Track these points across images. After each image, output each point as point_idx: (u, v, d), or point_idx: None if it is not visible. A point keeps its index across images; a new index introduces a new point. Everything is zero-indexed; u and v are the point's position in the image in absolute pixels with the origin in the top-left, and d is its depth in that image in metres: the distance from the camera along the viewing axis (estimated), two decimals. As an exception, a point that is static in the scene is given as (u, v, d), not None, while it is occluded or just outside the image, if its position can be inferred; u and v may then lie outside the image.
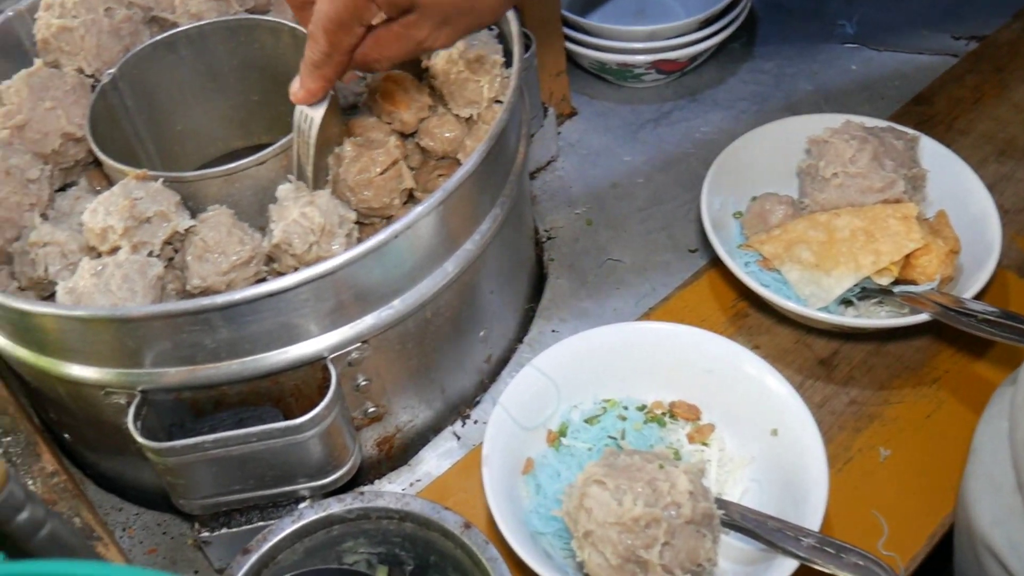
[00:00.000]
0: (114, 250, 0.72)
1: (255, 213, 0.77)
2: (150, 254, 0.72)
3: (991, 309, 0.74)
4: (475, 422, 0.82)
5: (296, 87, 0.73)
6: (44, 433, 0.81)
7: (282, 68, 0.88)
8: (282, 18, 0.89)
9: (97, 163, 0.82)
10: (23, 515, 0.54)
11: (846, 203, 0.82)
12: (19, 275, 0.76)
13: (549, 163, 1.04)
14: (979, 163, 0.95)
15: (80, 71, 0.86)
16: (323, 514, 0.70)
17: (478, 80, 0.83)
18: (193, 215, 0.75)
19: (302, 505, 0.71)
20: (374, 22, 0.68)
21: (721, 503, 0.68)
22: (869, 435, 0.78)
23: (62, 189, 0.84)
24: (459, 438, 0.81)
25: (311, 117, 0.75)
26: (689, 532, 0.64)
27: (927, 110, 1.03)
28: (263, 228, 0.77)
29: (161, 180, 0.74)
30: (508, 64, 0.83)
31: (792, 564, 0.63)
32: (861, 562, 0.62)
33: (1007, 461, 0.62)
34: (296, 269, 0.70)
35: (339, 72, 0.72)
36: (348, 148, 0.78)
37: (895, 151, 0.83)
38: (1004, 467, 0.62)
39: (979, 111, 1.02)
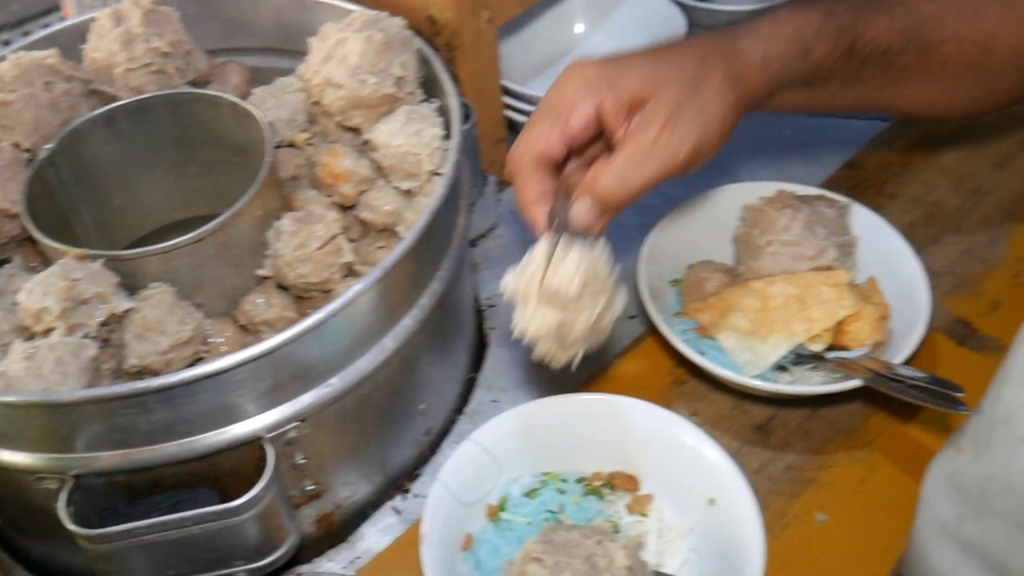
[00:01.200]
0: (48, 331, 0.71)
1: (193, 291, 0.77)
2: (85, 335, 0.71)
3: (920, 375, 0.75)
4: (415, 496, 0.81)
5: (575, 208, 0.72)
6: (-28, 516, 0.80)
7: (223, 140, 0.88)
8: (222, 91, 0.89)
9: (32, 240, 0.81)
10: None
11: (780, 271, 0.83)
12: (-52, 356, 0.75)
13: (490, 230, 1.05)
14: (908, 226, 0.98)
15: (16, 146, 0.85)
16: (261, 597, 0.69)
17: (418, 153, 0.83)
18: (131, 292, 0.74)
19: (239, 588, 0.70)
20: None
21: (660, 576, 0.68)
22: (806, 500, 0.78)
23: (-5, 266, 0.83)
24: (399, 513, 0.81)
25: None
26: (628, 608, 0.64)
27: (858, 174, 1.06)
28: (201, 305, 0.76)
29: (101, 260, 0.74)
30: (447, 136, 0.84)
31: (731, 638, 0.64)
32: (797, 635, 0.62)
33: (951, 501, 0.62)
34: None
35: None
36: (287, 222, 0.78)
37: (826, 219, 0.85)
38: (953, 506, 0.62)
39: (908, 175, 1.05)
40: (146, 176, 0.93)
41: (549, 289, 0.67)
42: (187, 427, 0.67)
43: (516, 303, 0.70)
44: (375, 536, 0.80)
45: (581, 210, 0.71)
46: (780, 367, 0.83)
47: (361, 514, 0.81)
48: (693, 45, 0.76)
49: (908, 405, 0.82)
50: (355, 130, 0.88)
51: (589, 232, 0.71)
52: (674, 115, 0.70)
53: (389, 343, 0.73)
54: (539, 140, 0.71)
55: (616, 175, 0.70)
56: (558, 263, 0.67)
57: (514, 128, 1.12)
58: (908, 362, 0.80)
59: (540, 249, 0.69)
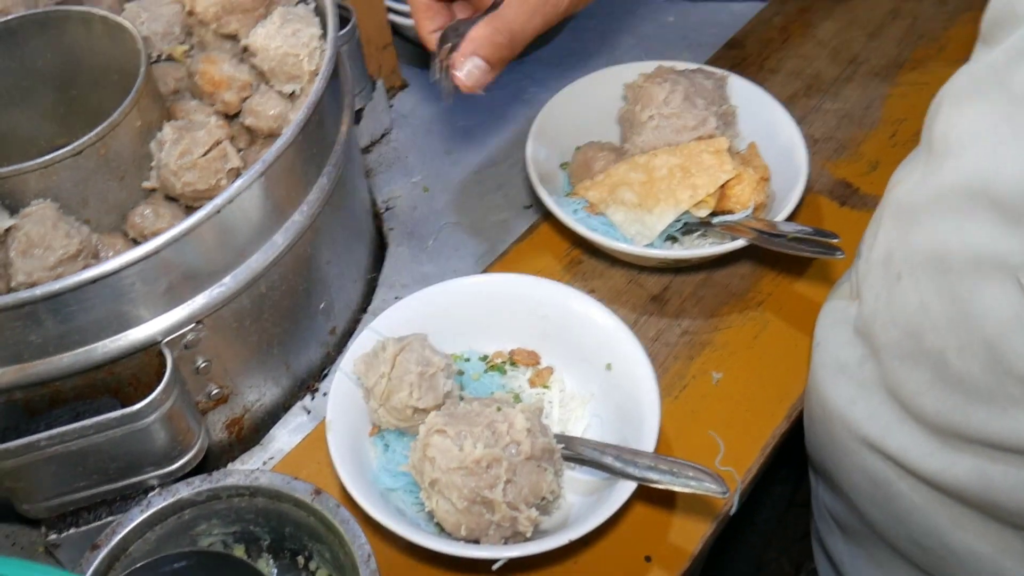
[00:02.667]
0: (-72, 254, 0.70)
1: (78, 206, 0.76)
2: (-34, 256, 0.70)
3: (800, 227, 0.78)
4: (324, 394, 0.82)
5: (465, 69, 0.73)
6: None
7: (99, 59, 0.86)
8: (94, 7, 0.87)
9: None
10: None
11: (663, 143, 0.85)
12: None
13: (383, 136, 1.05)
14: (789, 98, 1.00)
15: None
16: (172, 500, 0.69)
17: (297, 54, 0.82)
18: (13, 213, 0.73)
19: (151, 494, 0.71)
20: None
21: (561, 438, 0.70)
22: (702, 361, 0.81)
23: None
24: (309, 412, 0.82)
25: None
26: (530, 468, 0.66)
27: (739, 53, 1.07)
28: (88, 221, 0.75)
29: (-26, 180, 0.72)
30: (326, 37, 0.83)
31: (631, 485, 0.66)
32: (693, 474, 0.65)
33: (850, 341, 0.67)
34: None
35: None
36: (168, 131, 0.77)
37: (705, 91, 0.87)
38: (848, 347, 0.67)
39: (787, 50, 1.07)
40: (22, 102, 0.90)
41: (389, 402, 0.71)
42: (81, 336, 0.66)
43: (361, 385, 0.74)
44: (287, 436, 0.81)
45: (472, 71, 0.72)
46: (671, 238, 0.85)
47: (272, 416, 0.81)
48: None
49: (795, 265, 0.86)
50: (233, 37, 0.86)
51: (480, 87, 0.73)
52: None
53: (280, 239, 0.73)
54: None
55: (503, 30, 0.71)
56: (399, 380, 0.71)
57: (399, 33, 1.11)
58: (791, 221, 0.82)
59: (389, 352, 0.72)
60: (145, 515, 0.69)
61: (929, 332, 0.59)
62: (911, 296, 0.60)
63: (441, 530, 0.68)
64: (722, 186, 0.81)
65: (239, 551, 0.72)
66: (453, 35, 0.75)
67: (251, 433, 0.81)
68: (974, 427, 0.58)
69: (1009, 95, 0.53)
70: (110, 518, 0.73)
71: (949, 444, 0.61)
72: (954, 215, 0.56)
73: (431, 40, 0.78)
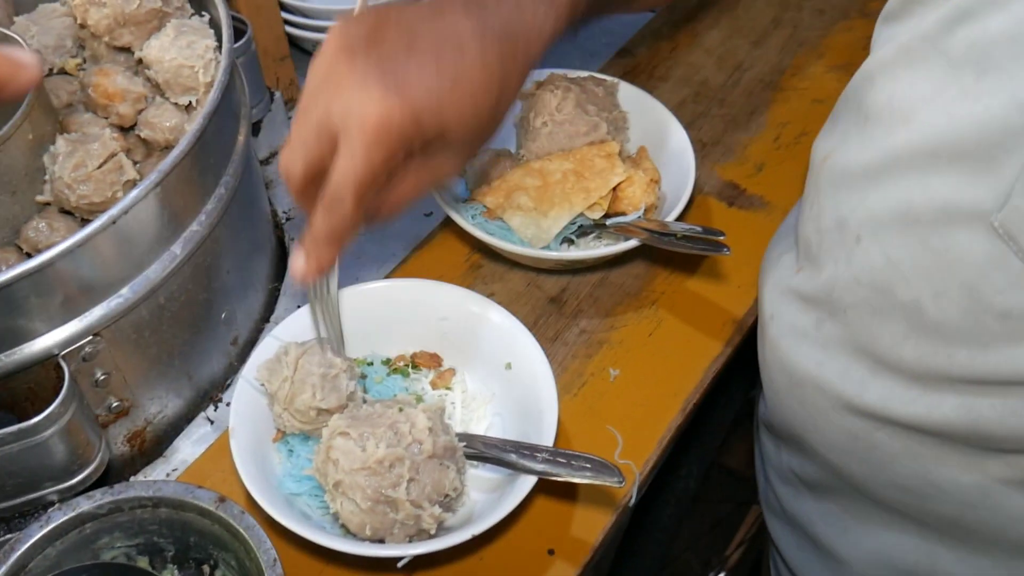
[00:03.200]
0: None
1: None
2: None
3: (690, 227, 0.81)
4: (227, 404, 0.82)
5: (300, 265, 0.66)
6: None
7: None
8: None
9: None
10: None
11: (557, 149, 0.88)
12: None
13: (282, 148, 1.05)
14: (679, 104, 1.04)
15: None
16: (72, 514, 0.69)
17: (192, 66, 0.83)
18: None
19: (51, 509, 0.70)
20: None
21: (463, 437, 0.71)
22: (599, 359, 0.84)
23: None
24: (212, 422, 0.82)
25: (328, 283, 0.74)
26: (433, 466, 0.67)
27: (630, 61, 1.11)
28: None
29: None
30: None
31: (531, 479, 0.68)
32: (589, 466, 0.67)
33: (803, 308, 0.70)
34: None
35: (354, 232, 0.65)
36: (61, 144, 0.77)
37: (596, 97, 0.90)
38: (803, 314, 0.71)
39: (676, 58, 1.11)
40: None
41: (293, 405, 0.72)
42: (-28, 352, 0.66)
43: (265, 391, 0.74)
44: (190, 447, 0.80)
45: (296, 265, 0.67)
46: (567, 240, 0.87)
47: (174, 428, 0.81)
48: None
49: (686, 264, 0.89)
50: (126, 50, 0.86)
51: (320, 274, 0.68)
52: None
53: (178, 250, 0.73)
54: (293, 162, 0.65)
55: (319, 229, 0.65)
56: (302, 382, 0.71)
57: (295, 45, 1.12)
58: (681, 220, 0.85)
59: (291, 356, 0.72)
60: (45, 530, 0.68)
61: (900, 285, 0.61)
62: (874, 255, 0.63)
63: (347, 531, 0.69)
64: (614, 189, 0.84)
65: (143, 563, 0.71)
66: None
67: (153, 445, 0.80)
68: (957, 368, 0.60)
69: (947, 59, 0.57)
70: (8, 536, 0.72)
71: (932, 388, 0.63)
72: (916, 173, 0.59)
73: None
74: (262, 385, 0.73)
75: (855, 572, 0.79)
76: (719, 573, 1.54)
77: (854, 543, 0.78)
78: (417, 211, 0.97)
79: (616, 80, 0.94)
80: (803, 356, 0.71)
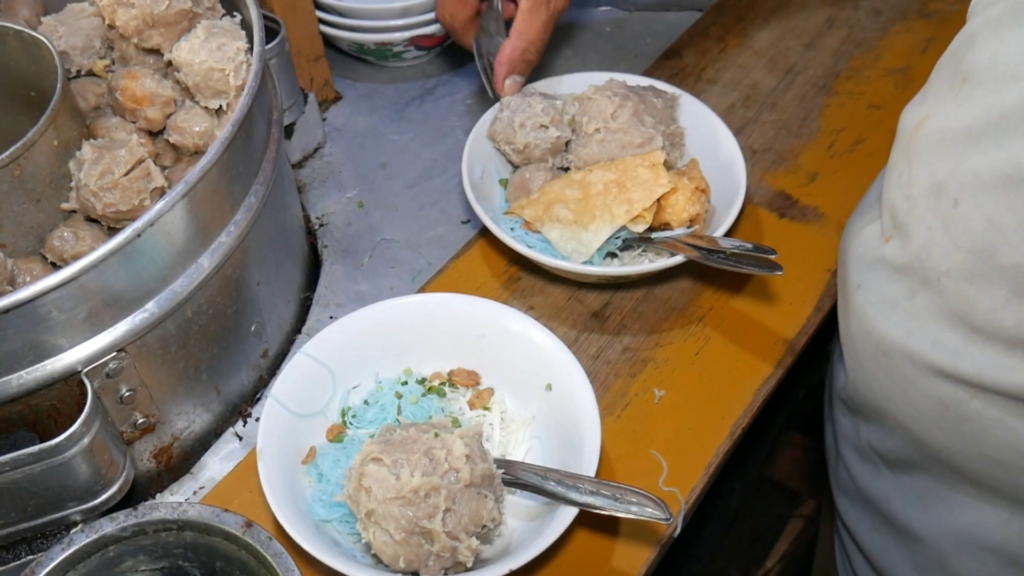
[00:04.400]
0: None
1: (-10, 229, 0.72)
2: None
3: (741, 243, 0.77)
4: (256, 419, 0.80)
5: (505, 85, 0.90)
6: None
7: (15, 76, 0.82)
8: (8, 21, 0.83)
9: None
10: None
11: (607, 158, 0.84)
12: None
13: (316, 150, 1.02)
14: (727, 110, 1.00)
15: None
16: (95, 536, 0.66)
17: (223, 69, 0.80)
18: (-78, 238, 0.70)
19: (73, 531, 0.67)
20: None
21: (501, 463, 0.68)
22: (644, 379, 0.80)
23: None
24: (241, 438, 0.79)
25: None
26: (470, 495, 0.64)
27: (677, 63, 1.07)
28: (3, 245, 0.72)
29: None
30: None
31: (572, 511, 0.64)
32: (635, 500, 0.64)
33: (893, 278, 0.69)
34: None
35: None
36: (87, 150, 0.74)
37: (655, 109, 0.86)
38: (893, 284, 0.69)
39: (724, 60, 1.07)
40: (-66, 120, 0.87)
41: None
42: (-6, 368, 0.63)
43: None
44: (218, 464, 0.78)
45: (511, 85, 0.91)
46: (611, 255, 0.83)
47: (202, 444, 0.79)
48: None
49: (734, 280, 0.85)
50: (156, 51, 0.83)
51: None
52: None
53: (205, 262, 0.70)
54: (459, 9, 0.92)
55: (523, 46, 0.88)
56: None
57: (330, 45, 1.09)
58: (730, 235, 0.82)
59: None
60: (67, 553, 0.66)
61: (1002, 248, 0.60)
62: (974, 219, 0.61)
63: (378, 562, 0.66)
64: (658, 200, 0.80)
65: (167, 588, 0.69)
66: (486, 45, 0.92)
67: (181, 462, 0.78)
68: None
69: None
70: (30, 557, 0.70)
71: None
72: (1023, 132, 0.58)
73: (467, 32, 0.93)
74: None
75: (935, 552, 0.76)
76: (759, 586, 1.50)
77: (935, 521, 0.75)
78: (453, 218, 0.94)
79: (679, 93, 0.90)
80: (892, 325, 0.69)
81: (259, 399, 0.81)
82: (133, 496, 0.73)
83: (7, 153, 0.72)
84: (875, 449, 0.79)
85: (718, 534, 1.28)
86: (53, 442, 0.63)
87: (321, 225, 0.95)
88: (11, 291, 0.68)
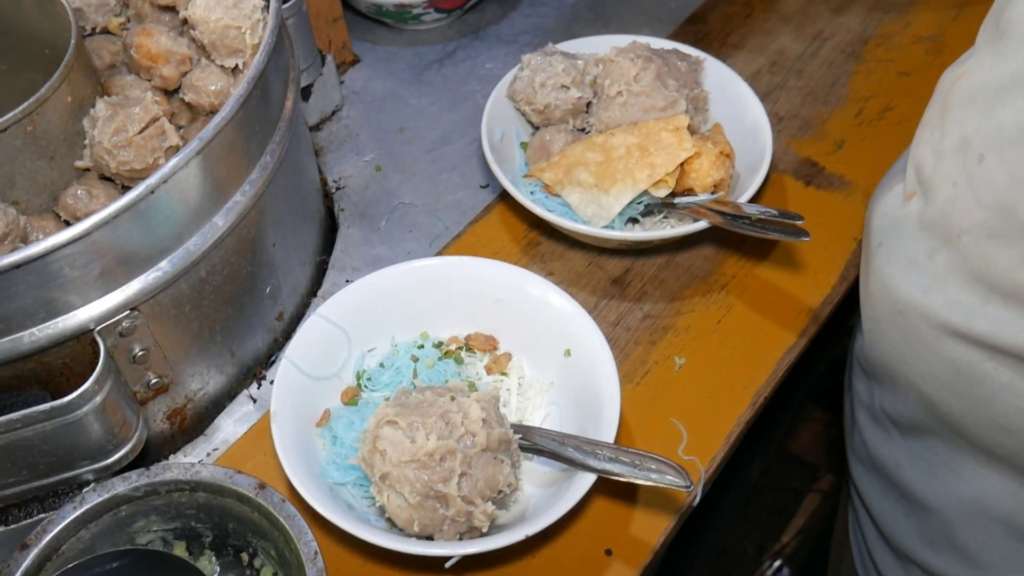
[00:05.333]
0: None
1: (5, 186, 0.71)
2: None
3: (766, 209, 0.75)
4: (271, 382, 0.78)
5: None
6: None
7: (29, 33, 0.81)
8: (22, -21, 0.82)
9: None
10: None
11: (629, 121, 0.82)
12: None
13: (334, 113, 1.01)
14: (752, 75, 0.98)
15: None
16: (107, 496, 0.66)
17: (239, 27, 0.78)
18: (-66, 192, 0.69)
19: (85, 490, 0.67)
20: None
21: (518, 428, 0.67)
22: (664, 347, 0.79)
23: None
24: (255, 401, 0.78)
25: None
26: (486, 460, 0.63)
27: (702, 28, 1.05)
28: (17, 202, 0.71)
29: None
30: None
31: (591, 478, 0.63)
32: (655, 467, 0.62)
33: (915, 236, 0.68)
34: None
35: None
36: (101, 108, 0.73)
37: (678, 72, 0.84)
38: (914, 242, 0.68)
39: (750, 25, 1.04)
40: (-53, 77, 0.86)
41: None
42: (6, 325, 0.62)
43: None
44: (232, 426, 0.77)
45: None
46: (632, 220, 0.82)
47: (216, 405, 0.78)
48: None
49: (759, 247, 0.83)
50: (171, 9, 0.82)
51: None
52: None
53: (220, 221, 0.69)
54: None
55: None
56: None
57: (349, 6, 1.07)
58: (755, 203, 0.80)
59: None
60: (79, 512, 0.65)
61: (1023, 204, 0.59)
62: (998, 174, 0.60)
63: (392, 525, 0.65)
64: (681, 164, 0.78)
65: (179, 548, 0.69)
66: None
67: (194, 423, 0.77)
68: None
69: None
70: (41, 515, 0.69)
71: None
72: None
73: None
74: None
75: (943, 520, 0.75)
76: (775, 560, 1.49)
77: (943, 489, 0.75)
78: (472, 182, 0.92)
79: (703, 56, 0.88)
80: (911, 284, 0.68)
81: (274, 362, 0.80)
82: (146, 457, 0.73)
83: (19, 109, 0.71)
84: (887, 413, 0.78)
85: (736, 506, 1.27)
86: (65, 400, 0.62)
87: (338, 188, 0.93)
88: (23, 247, 0.68)
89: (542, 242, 0.86)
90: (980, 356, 0.65)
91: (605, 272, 0.84)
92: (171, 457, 0.76)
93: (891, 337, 0.72)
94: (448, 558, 0.63)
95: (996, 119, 0.60)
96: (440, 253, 0.86)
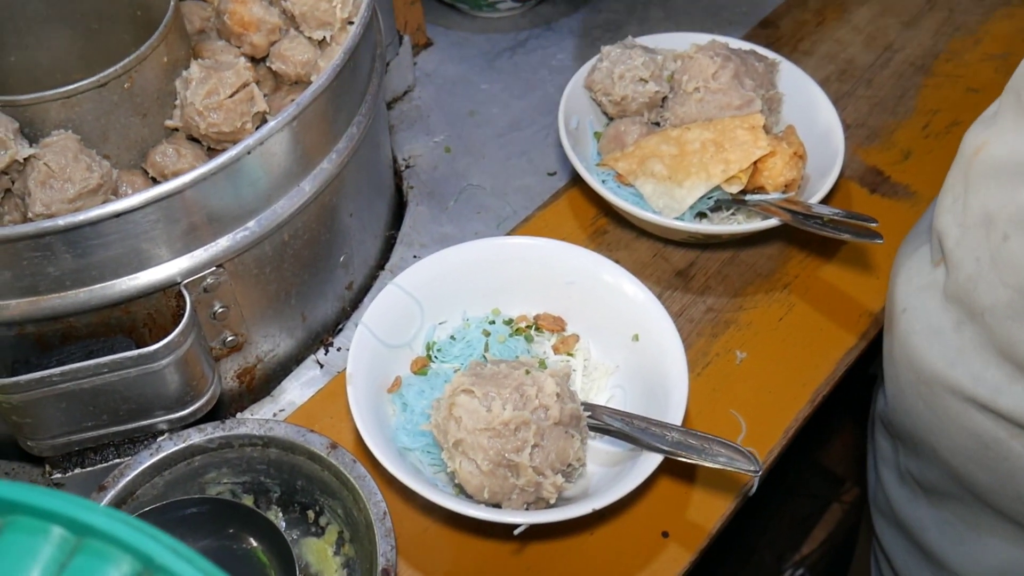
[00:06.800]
0: (-57, 179, 0.67)
1: (99, 140, 0.73)
2: (-17, 182, 0.68)
3: (836, 211, 0.77)
4: (338, 349, 0.80)
5: None
6: None
7: (123, -5, 0.83)
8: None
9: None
10: None
11: (704, 118, 0.83)
12: None
13: (406, 93, 1.02)
14: (822, 82, 0.99)
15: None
16: (183, 445, 0.68)
17: (331, 1, 0.80)
18: (32, 143, 0.71)
19: (161, 438, 0.69)
20: None
21: (588, 406, 0.68)
22: (726, 340, 0.80)
23: None
24: (322, 366, 0.80)
25: None
26: (558, 433, 0.64)
27: (773, 33, 1.06)
28: (108, 156, 0.73)
29: (-4, 105, 0.70)
30: (359, -15, 0.81)
31: (657, 458, 0.65)
32: (723, 451, 0.64)
33: (942, 306, 0.66)
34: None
35: None
36: (195, 70, 0.75)
37: (755, 72, 0.85)
38: (940, 312, 0.66)
39: (821, 33, 1.06)
40: (42, 32, 0.88)
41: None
42: (98, 273, 0.64)
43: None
44: (298, 389, 0.79)
45: None
46: (700, 214, 0.83)
47: (284, 368, 0.80)
48: None
49: (824, 249, 0.84)
50: (264, -21, 0.84)
51: None
52: None
53: (307, 187, 0.71)
54: None
55: None
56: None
57: (426, -11, 1.09)
58: (823, 204, 0.81)
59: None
60: (154, 459, 0.67)
61: None
62: (1022, 255, 0.59)
63: (460, 491, 0.67)
64: (755, 163, 0.80)
65: (248, 502, 0.70)
66: None
67: (262, 384, 0.79)
68: None
69: None
70: (117, 460, 0.71)
71: None
72: None
73: None
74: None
75: None
76: (798, 570, 1.50)
77: (969, 556, 0.74)
78: (541, 169, 0.94)
79: (779, 58, 0.89)
80: (935, 355, 0.67)
81: (341, 330, 0.82)
82: (216, 414, 0.74)
83: (120, 64, 0.73)
84: (913, 476, 0.78)
85: (771, 508, 1.27)
86: (151, 348, 0.64)
87: (408, 167, 0.95)
88: (115, 200, 0.70)
89: (609, 231, 0.87)
90: (1007, 433, 0.64)
91: (670, 264, 0.85)
92: (238, 415, 0.78)
93: (915, 406, 0.71)
94: (516, 526, 0.64)
95: (1019, 199, 0.59)
96: (508, 235, 0.87)
